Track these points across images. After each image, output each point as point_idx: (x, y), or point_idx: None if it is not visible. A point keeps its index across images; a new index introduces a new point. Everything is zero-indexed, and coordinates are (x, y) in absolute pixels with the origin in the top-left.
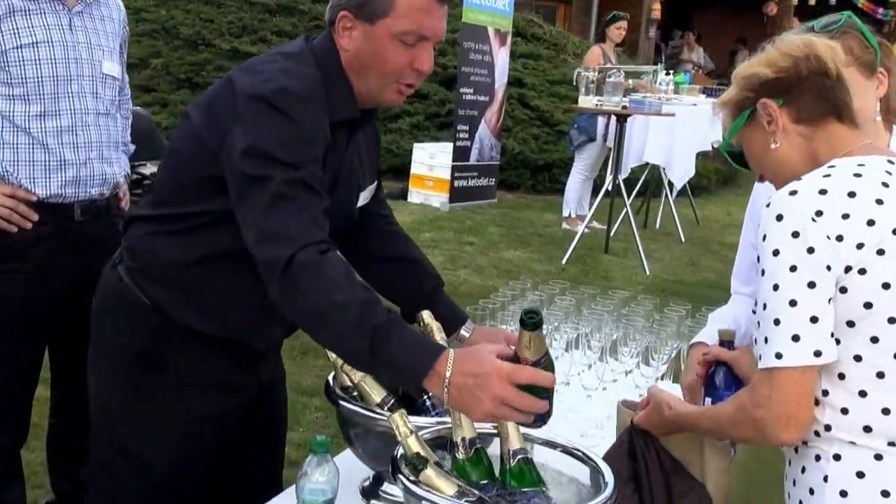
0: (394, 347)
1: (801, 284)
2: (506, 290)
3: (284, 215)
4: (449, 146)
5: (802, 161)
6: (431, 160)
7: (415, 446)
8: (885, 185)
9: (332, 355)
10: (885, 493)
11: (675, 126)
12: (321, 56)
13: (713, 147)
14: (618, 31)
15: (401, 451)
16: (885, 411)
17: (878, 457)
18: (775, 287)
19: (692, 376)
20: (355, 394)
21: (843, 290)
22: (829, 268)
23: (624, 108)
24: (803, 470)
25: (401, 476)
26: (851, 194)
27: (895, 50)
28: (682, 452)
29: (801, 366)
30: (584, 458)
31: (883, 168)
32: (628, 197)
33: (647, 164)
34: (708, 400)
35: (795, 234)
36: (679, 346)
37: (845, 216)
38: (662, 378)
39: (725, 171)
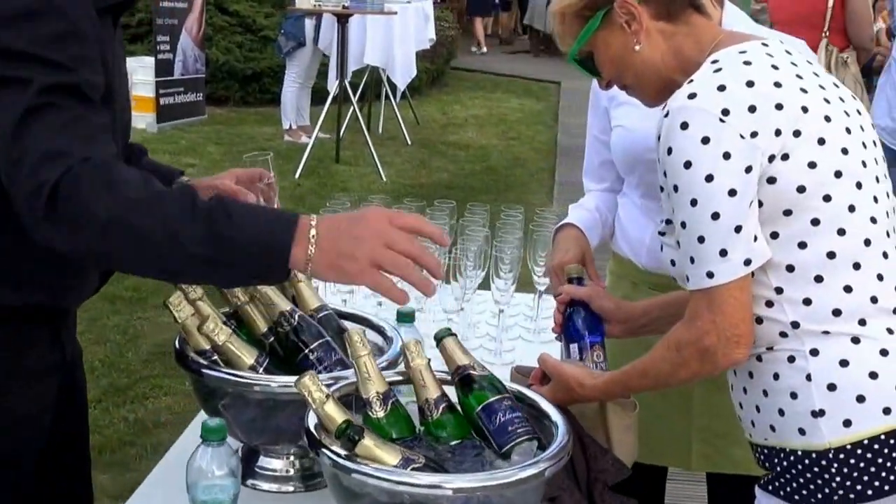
0: (238, 225)
1: (722, 194)
2: None
3: (48, 131)
4: (149, 60)
5: (665, 61)
6: (131, 77)
7: (336, 413)
8: (775, 67)
9: (181, 313)
10: (874, 375)
11: (394, 25)
12: None
13: (430, 44)
14: None
15: (313, 420)
16: (847, 289)
17: (856, 340)
18: (693, 202)
19: (559, 259)
20: (215, 358)
21: (772, 180)
22: (748, 169)
23: (345, 7)
24: (776, 377)
25: (329, 452)
26: (750, 83)
27: None
28: (586, 419)
29: (736, 279)
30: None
31: (764, 51)
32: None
33: (366, 66)
34: (573, 346)
35: (706, 140)
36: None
37: (752, 108)
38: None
39: (434, 70)
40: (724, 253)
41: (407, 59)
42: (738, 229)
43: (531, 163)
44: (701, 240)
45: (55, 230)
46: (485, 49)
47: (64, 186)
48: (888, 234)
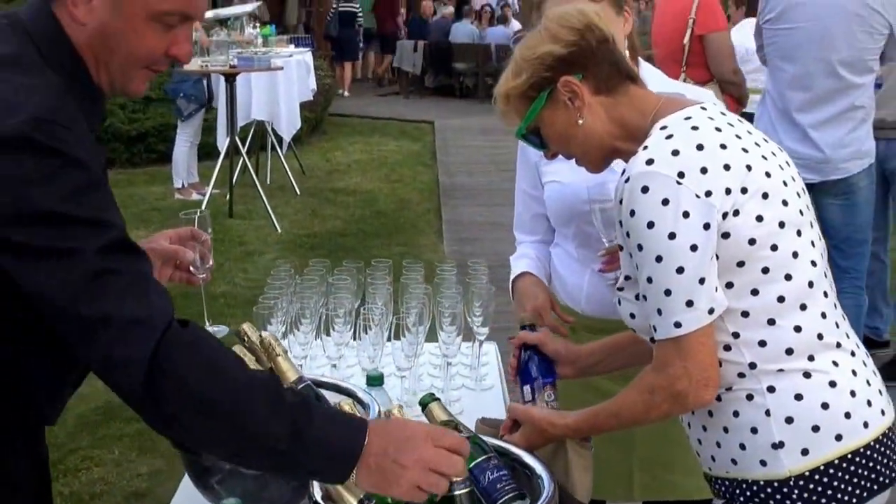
0: (317, 427)
1: (684, 250)
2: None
3: (117, 298)
4: None
5: (608, 131)
6: None
7: None
8: (718, 129)
9: None
10: (825, 406)
11: (278, 79)
12: (39, 37)
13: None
14: None
15: (319, 493)
16: (797, 329)
17: (807, 374)
18: (658, 258)
19: (531, 305)
20: None
21: (726, 235)
22: (706, 225)
23: (232, 66)
24: (736, 414)
25: None
26: (700, 147)
27: None
28: (547, 456)
29: (702, 327)
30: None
31: (706, 115)
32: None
33: (253, 120)
34: (526, 388)
35: (665, 202)
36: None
37: (704, 170)
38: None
39: (313, 119)
40: (690, 303)
41: (292, 112)
42: (701, 281)
43: (417, 204)
44: (667, 293)
45: (151, 401)
46: (346, 93)
47: (160, 364)
48: (825, 275)
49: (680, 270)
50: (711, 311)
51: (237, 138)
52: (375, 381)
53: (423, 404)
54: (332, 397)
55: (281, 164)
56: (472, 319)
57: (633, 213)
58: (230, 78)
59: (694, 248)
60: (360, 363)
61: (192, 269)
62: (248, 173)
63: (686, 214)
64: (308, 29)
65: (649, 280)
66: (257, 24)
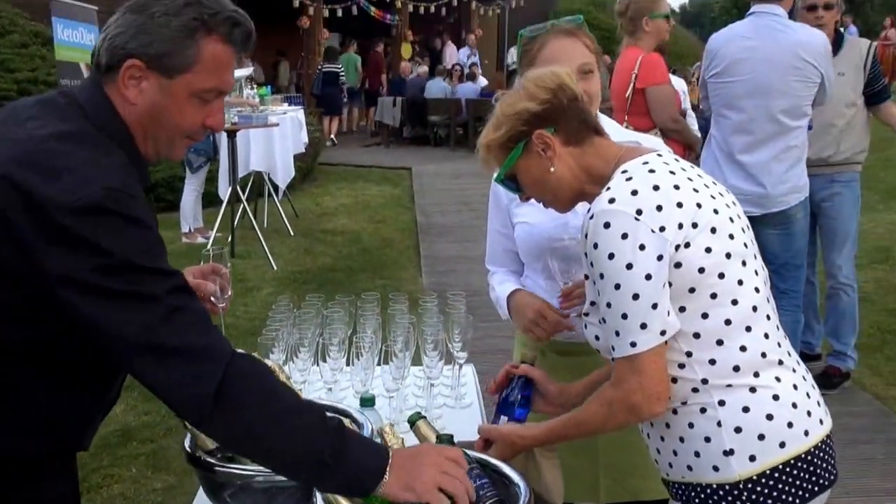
0: (352, 447)
1: (640, 278)
2: None
3: (186, 334)
4: None
5: (576, 176)
6: None
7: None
8: (672, 172)
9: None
10: (770, 417)
11: (274, 134)
12: (95, 115)
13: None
14: None
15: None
16: (743, 349)
17: (753, 389)
18: (617, 286)
19: (532, 311)
20: (220, 456)
21: (678, 265)
22: (660, 257)
23: (234, 123)
24: (691, 426)
25: None
26: (656, 188)
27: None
28: (517, 464)
29: (654, 347)
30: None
31: (661, 161)
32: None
33: (252, 171)
34: (503, 417)
35: (625, 236)
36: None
37: (659, 208)
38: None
39: (305, 168)
40: (644, 326)
41: (286, 163)
42: (654, 306)
43: (398, 241)
44: (624, 316)
45: (220, 419)
46: (328, 143)
47: (224, 393)
48: (767, 300)
49: (636, 297)
50: (663, 333)
51: (238, 187)
52: (368, 402)
53: (412, 422)
54: None
55: (276, 208)
56: (452, 345)
57: (596, 245)
58: (232, 134)
59: (648, 277)
60: (353, 386)
61: (213, 299)
62: (247, 218)
63: (642, 247)
64: (299, 89)
65: (608, 305)
66: (254, 86)
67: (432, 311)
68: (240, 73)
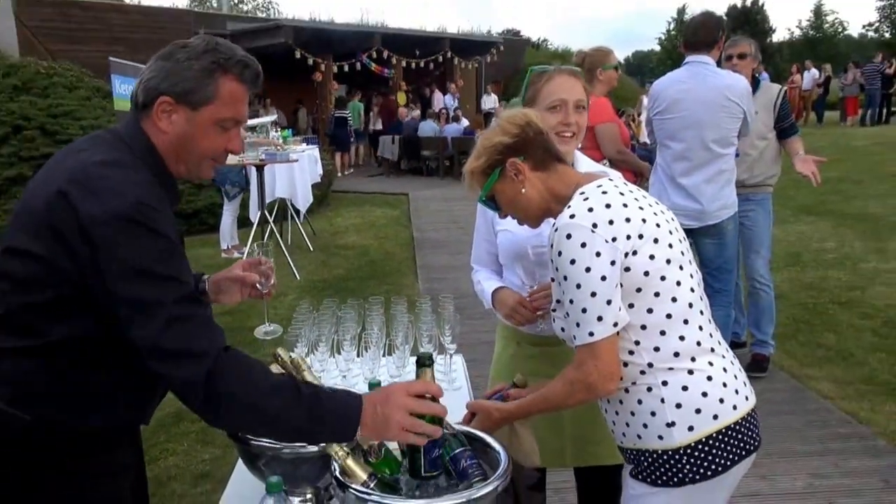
0: (329, 406)
1: (597, 279)
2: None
3: (189, 335)
4: None
5: (543, 198)
6: None
7: (354, 465)
8: (622, 193)
9: None
10: (705, 394)
11: (295, 168)
12: (133, 144)
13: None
14: None
15: (337, 469)
16: (681, 338)
17: (690, 372)
18: (578, 286)
19: (512, 302)
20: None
21: (627, 269)
22: (613, 262)
23: (261, 160)
24: (640, 402)
25: (354, 490)
26: (608, 206)
27: None
28: (502, 437)
29: (608, 336)
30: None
31: (612, 185)
32: (271, 224)
33: (277, 198)
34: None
35: (583, 245)
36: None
37: (611, 222)
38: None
39: (320, 195)
40: (600, 318)
41: (305, 191)
42: (608, 302)
43: (398, 254)
44: (584, 311)
45: (210, 408)
46: (339, 175)
47: (214, 378)
48: (701, 298)
49: (593, 294)
50: (616, 325)
51: (266, 211)
52: (375, 386)
53: (421, 364)
54: None
55: (298, 229)
56: (444, 338)
57: (560, 253)
58: (260, 168)
59: (603, 278)
60: (363, 374)
61: (258, 286)
62: (274, 236)
63: (598, 254)
64: (315, 130)
65: (571, 301)
66: (278, 129)
67: (427, 311)
68: (265, 119)
